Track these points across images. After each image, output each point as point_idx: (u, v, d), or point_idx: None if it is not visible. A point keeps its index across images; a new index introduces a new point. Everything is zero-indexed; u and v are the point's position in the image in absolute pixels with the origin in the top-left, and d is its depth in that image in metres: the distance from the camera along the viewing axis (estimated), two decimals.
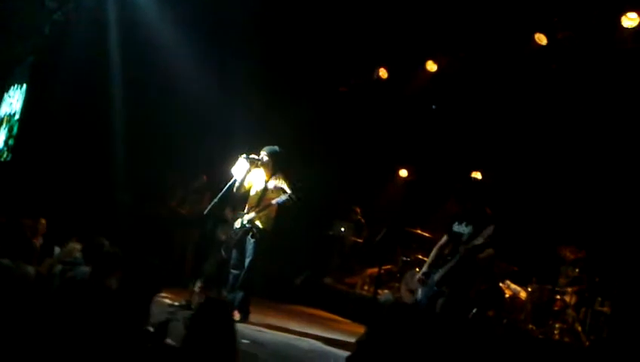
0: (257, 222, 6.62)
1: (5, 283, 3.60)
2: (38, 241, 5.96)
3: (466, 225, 5.67)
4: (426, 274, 5.89)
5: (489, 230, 5.35)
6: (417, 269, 8.89)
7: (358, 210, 10.80)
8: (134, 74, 8.89)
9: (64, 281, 4.16)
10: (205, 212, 6.75)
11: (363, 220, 10.75)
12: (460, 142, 10.14)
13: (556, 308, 7.78)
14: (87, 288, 3.54)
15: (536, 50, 7.78)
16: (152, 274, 3.28)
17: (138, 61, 8.89)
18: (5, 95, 11.65)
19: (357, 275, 10.29)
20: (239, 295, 6.51)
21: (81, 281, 3.92)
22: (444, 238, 5.94)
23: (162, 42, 8.72)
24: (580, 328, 7.48)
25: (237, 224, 6.70)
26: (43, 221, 6.32)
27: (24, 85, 10.66)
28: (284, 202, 6.52)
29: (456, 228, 5.73)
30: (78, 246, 4.71)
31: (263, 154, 6.75)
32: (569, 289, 7.75)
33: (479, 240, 5.40)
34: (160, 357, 2.91)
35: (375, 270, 10.12)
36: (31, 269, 4.14)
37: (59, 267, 4.59)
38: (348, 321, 8.71)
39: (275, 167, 6.76)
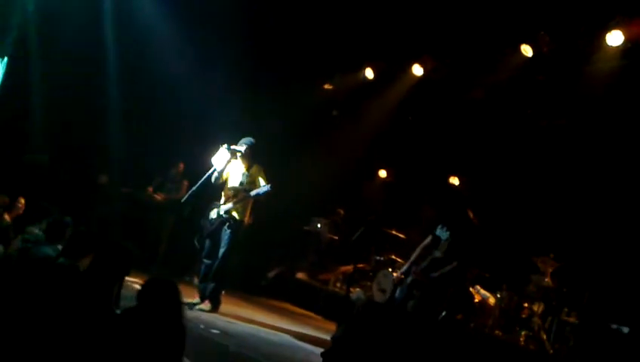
0: (234, 213, 6.60)
1: None
2: (11, 218, 5.88)
3: (446, 230, 5.74)
4: (405, 273, 5.96)
5: (445, 244, 5.46)
6: (390, 269, 8.99)
7: (342, 213, 10.81)
8: (119, 55, 8.77)
9: (22, 259, 4.10)
10: (183, 200, 6.70)
11: (342, 222, 10.77)
12: (439, 146, 10.23)
13: (523, 316, 7.92)
14: (52, 268, 3.49)
15: (522, 61, 7.86)
16: (123, 257, 3.27)
17: (124, 41, 8.77)
18: None
19: (330, 272, 10.31)
20: (211, 285, 6.49)
21: (42, 260, 3.87)
22: (429, 239, 6.01)
23: (149, 24, 8.61)
24: (545, 336, 7.63)
25: (213, 214, 6.66)
26: (22, 200, 6.22)
27: (5, 58, 10.44)
28: (260, 195, 6.50)
29: (438, 231, 5.81)
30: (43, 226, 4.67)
31: (242, 145, 6.73)
32: (537, 298, 7.90)
33: (437, 254, 5.53)
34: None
35: (348, 268, 10.16)
36: None
37: (18, 243, 4.54)
38: (319, 317, 8.74)
39: (252, 159, 6.75)
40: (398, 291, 6.03)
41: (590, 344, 4.83)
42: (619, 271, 7.07)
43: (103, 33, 8.68)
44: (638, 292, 6.44)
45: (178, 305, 3.01)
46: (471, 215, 5.81)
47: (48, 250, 4.08)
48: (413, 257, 6.06)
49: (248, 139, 6.81)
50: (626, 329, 4.60)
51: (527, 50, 7.80)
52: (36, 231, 4.52)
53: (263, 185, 6.52)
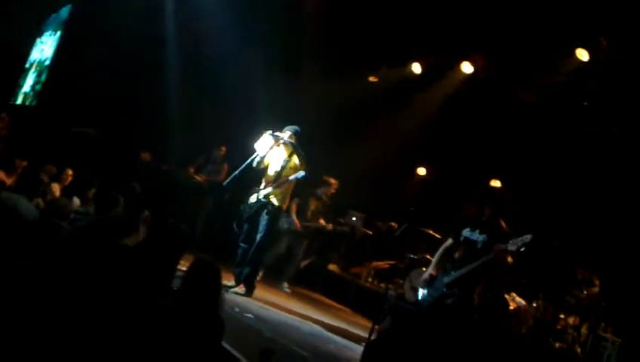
0: (273, 199, 6.61)
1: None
2: (58, 189, 6.00)
3: (480, 233, 5.57)
4: (432, 276, 5.83)
5: (526, 238, 5.22)
6: (423, 269, 8.89)
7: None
8: (171, 38, 8.86)
9: (73, 229, 4.15)
10: (225, 183, 6.75)
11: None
12: (483, 147, 10.04)
13: (558, 327, 7.75)
14: (96, 240, 3.50)
15: (576, 65, 7.64)
16: (179, 241, 3.26)
17: (175, 26, 8.85)
18: (38, 40, 11.67)
19: (362, 266, 10.28)
20: (246, 269, 6.52)
21: (89, 232, 3.89)
22: (450, 241, 5.85)
23: (203, 7, 8.67)
24: (579, 350, 7.45)
25: (252, 199, 6.70)
26: (70, 171, 6.35)
27: (58, 33, 10.66)
28: (297, 179, 6.51)
29: (467, 233, 5.61)
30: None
31: (286, 133, 6.72)
32: (574, 312, 7.71)
33: (513, 246, 5.28)
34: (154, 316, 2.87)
35: (381, 263, 10.12)
36: (30, 205, 4.14)
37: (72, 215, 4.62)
38: (348, 310, 8.73)
39: (295, 147, 6.74)
40: (423, 293, 5.89)
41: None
42: None
43: (159, 13, 8.77)
44: None
45: (219, 288, 3.02)
46: (503, 223, 5.63)
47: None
48: (436, 259, 5.93)
49: (293, 127, 6.82)
50: None
51: (582, 55, 7.58)
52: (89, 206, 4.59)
53: (300, 172, 6.51)
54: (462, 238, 5.65)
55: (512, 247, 5.27)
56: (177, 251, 3.25)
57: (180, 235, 3.28)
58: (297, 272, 9.73)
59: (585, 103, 8.11)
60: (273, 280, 8.48)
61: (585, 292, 7.69)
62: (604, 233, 7.96)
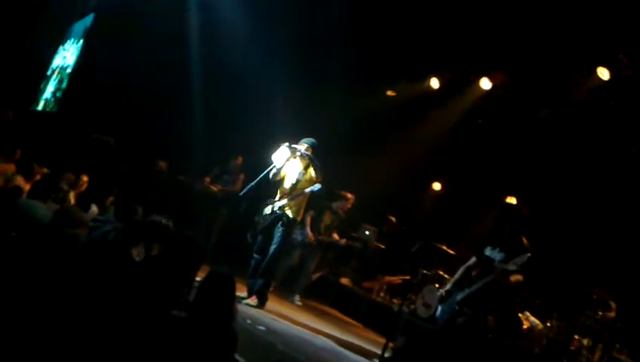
0: (288, 211, 6.61)
1: (17, 217, 3.64)
2: (75, 195, 6.05)
3: (499, 251, 5.57)
4: (449, 292, 5.82)
5: (524, 258, 5.25)
6: (437, 285, 8.82)
7: (394, 220, 10.69)
8: (193, 49, 8.95)
9: (90, 239, 4.17)
10: (241, 194, 6.76)
11: (391, 229, 10.65)
12: (499, 164, 9.99)
13: (572, 348, 7.64)
14: (109, 251, 3.51)
15: (596, 84, 7.58)
16: (195, 253, 3.27)
17: (198, 37, 8.94)
18: (60, 47, 11.85)
19: (374, 281, 10.22)
20: (259, 281, 6.51)
21: (104, 242, 3.89)
22: (473, 260, 5.84)
23: (223, 17, 8.75)
24: None
25: (267, 210, 6.71)
26: (85, 178, 6.40)
27: (81, 41, 10.81)
28: (314, 192, 6.51)
29: (488, 252, 5.63)
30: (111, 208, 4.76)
31: (302, 145, 6.74)
32: (588, 332, 7.61)
33: (512, 267, 5.30)
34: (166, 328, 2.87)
35: (393, 278, 10.06)
36: (47, 211, 4.16)
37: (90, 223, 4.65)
38: (360, 325, 8.67)
39: (312, 159, 6.76)
40: (439, 309, 5.87)
41: None
42: None
43: (181, 23, 8.87)
44: None
45: (233, 300, 3.02)
46: (524, 240, 5.61)
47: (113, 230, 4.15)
48: (456, 276, 5.92)
49: (310, 140, 6.83)
50: None
51: (603, 73, 7.52)
52: (108, 214, 4.62)
53: (316, 185, 6.51)
54: (484, 257, 5.64)
55: (511, 267, 5.28)
56: (194, 263, 3.26)
57: (196, 247, 3.29)
58: (309, 285, 9.70)
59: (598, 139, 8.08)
60: (285, 292, 8.47)
61: (600, 313, 7.59)
62: (620, 253, 7.86)
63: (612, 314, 7.33)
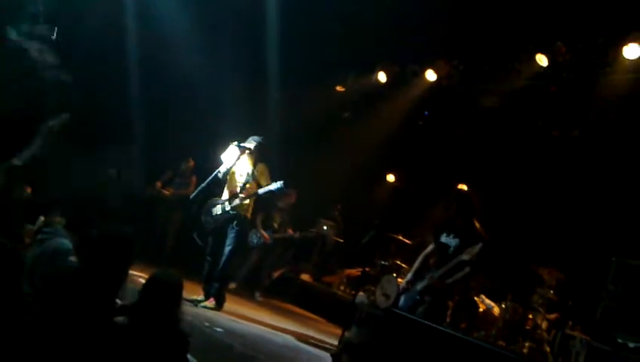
0: (242, 211, 6.54)
1: None
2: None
3: (454, 237, 5.64)
4: (410, 282, 5.88)
5: (477, 248, 5.34)
6: (394, 274, 8.94)
7: (339, 207, 10.83)
8: (131, 49, 8.76)
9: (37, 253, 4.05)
10: (192, 196, 6.67)
11: (340, 218, 10.77)
12: (449, 153, 10.19)
13: (527, 327, 7.86)
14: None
15: (536, 70, 7.82)
16: (123, 245, 3.17)
17: (140, 36, 8.75)
18: None
19: (335, 275, 10.29)
20: (215, 283, 6.44)
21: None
22: (430, 247, 5.92)
23: (167, 19, 8.61)
24: (548, 349, 7.58)
25: (217, 210, 6.61)
26: (29, 189, 6.20)
27: None
28: (271, 192, 6.48)
29: (443, 239, 5.70)
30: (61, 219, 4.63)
31: (250, 143, 6.70)
32: (542, 310, 7.86)
33: (465, 256, 5.39)
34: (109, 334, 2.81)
35: (353, 271, 10.14)
36: None
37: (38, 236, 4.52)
38: (322, 320, 8.71)
39: (259, 157, 6.73)
40: (402, 299, 5.94)
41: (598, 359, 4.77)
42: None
43: (122, 28, 8.68)
44: None
45: (179, 300, 2.96)
46: (477, 224, 5.72)
47: (65, 242, 4.06)
48: (416, 266, 5.99)
49: (257, 137, 6.79)
50: (632, 344, 4.54)
51: (542, 60, 7.75)
52: (59, 220, 4.47)
53: (275, 183, 6.47)
54: (439, 243, 5.72)
55: (465, 257, 5.39)
56: (124, 259, 3.15)
57: (120, 240, 3.18)
58: (270, 284, 9.70)
59: (540, 123, 8.34)
60: (245, 292, 8.43)
61: (551, 292, 7.85)
62: (567, 231, 8.13)
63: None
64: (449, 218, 5.79)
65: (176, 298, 2.89)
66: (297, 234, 9.39)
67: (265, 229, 8.99)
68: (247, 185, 6.57)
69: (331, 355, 2.88)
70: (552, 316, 7.77)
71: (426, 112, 9.89)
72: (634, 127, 7.24)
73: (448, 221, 5.79)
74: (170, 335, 2.74)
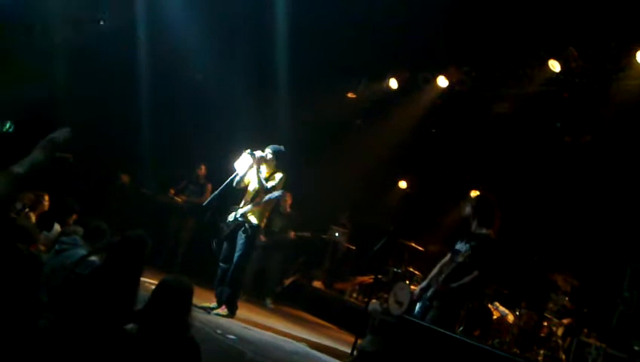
0: (250, 217, 6.56)
1: None
2: (36, 215, 5.93)
3: (465, 243, 5.60)
4: (424, 289, 5.86)
5: (472, 276, 5.32)
6: (407, 282, 8.91)
7: (347, 214, 10.82)
8: (149, 57, 8.85)
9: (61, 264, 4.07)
10: (205, 203, 6.71)
11: (349, 224, 10.77)
12: (461, 159, 10.16)
13: (542, 335, 7.79)
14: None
15: (549, 76, 7.77)
16: (137, 247, 3.19)
17: (154, 44, 8.84)
18: None
19: (347, 282, 10.27)
20: (226, 290, 6.45)
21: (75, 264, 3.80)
22: (448, 256, 5.87)
23: (180, 29, 8.69)
24: (564, 356, 7.50)
25: (230, 217, 6.65)
26: (46, 197, 6.27)
27: None
28: (271, 199, 6.49)
29: (457, 245, 5.65)
30: (79, 229, 4.67)
31: (268, 152, 6.73)
32: (557, 318, 7.78)
33: (460, 258, 5.37)
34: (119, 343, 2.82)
35: (365, 278, 10.11)
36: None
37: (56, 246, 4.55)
38: (334, 327, 8.69)
39: (278, 166, 6.74)
40: (417, 307, 5.90)
41: None
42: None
43: (135, 37, 8.78)
44: None
45: (189, 306, 2.96)
46: (489, 231, 5.65)
47: (83, 252, 4.08)
48: (432, 274, 5.95)
49: (275, 146, 6.81)
50: None
51: (554, 66, 7.71)
52: (77, 230, 4.50)
53: (274, 193, 6.49)
54: (453, 250, 5.67)
55: (459, 259, 5.36)
56: (137, 261, 3.16)
57: (134, 241, 3.20)
58: (282, 290, 9.71)
59: (558, 125, 8.27)
60: (255, 298, 8.44)
61: (567, 299, 7.77)
62: (582, 238, 8.05)
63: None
64: (465, 224, 5.72)
65: (186, 304, 2.89)
66: (292, 234, 9.31)
67: (267, 234, 8.99)
68: (261, 193, 6.58)
69: None
70: (567, 321, 7.69)
71: (433, 130, 9.90)
72: None
73: (465, 227, 5.72)
74: (180, 341, 2.74)
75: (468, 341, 3.36)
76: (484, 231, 5.52)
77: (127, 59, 8.87)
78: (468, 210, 5.66)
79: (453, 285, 5.43)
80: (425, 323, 5.11)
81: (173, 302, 2.85)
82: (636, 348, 4.39)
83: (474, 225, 5.59)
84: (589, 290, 7.56)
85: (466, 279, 5.40)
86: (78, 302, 2.97)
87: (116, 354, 2.62)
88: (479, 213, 5.61)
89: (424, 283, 5.91)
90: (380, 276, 9.62)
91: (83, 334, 2.68)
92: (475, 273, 5.36)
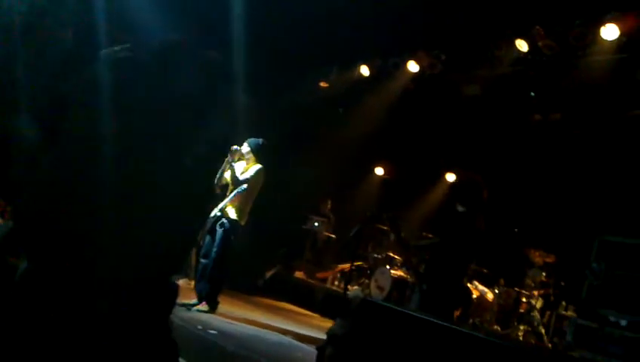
0: (229, 212, 6.49)
1: None
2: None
3: (454, 225, 5.61)
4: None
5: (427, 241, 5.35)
6: (387, 266, 8.97)
7: (329, 203, 10.85)
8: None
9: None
10: None
11: (332, 214, 10.80)
12: (436, 142, 10.24)
13: (522, 311, 7.94)
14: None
15: (517, 55, 7.85)
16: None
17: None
18: None
19: (328, 270, 10.33)
20: (206, 286, 6.43)
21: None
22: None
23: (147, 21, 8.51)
24: (543, 330, 7.66)
25: (212, 213, 6.59)
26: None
27: None
28: (240, 192, 6.43)
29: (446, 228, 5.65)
30: None
31: (245, 146, 6.68)
32: (535, 293, 7.92)
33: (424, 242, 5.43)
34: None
35: (346, 266, 10.17)
36: None
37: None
38: (317, 316, 8.73)
39: (257, 160, 6.70)
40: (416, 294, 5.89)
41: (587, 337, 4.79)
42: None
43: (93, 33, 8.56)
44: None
45: (172, 307, 2.94)
46: (480, 218, 5.64)
47: None
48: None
49: (254, 140, 6.73)
50: (623, 322, 4.57)
51: (522, 45, 7.79)
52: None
53: (240, 187, 6.41)
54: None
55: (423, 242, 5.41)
56: None
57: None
58: (264, 283, 9.72)
59: (532, 93, 8.33)
60: (239, 294, 8.42)
61: (543, 274, 7.91)
62: (556, 213, 8.19)
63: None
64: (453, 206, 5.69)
65: (169, 304, 2.87)
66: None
67: None
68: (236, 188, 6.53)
69: (317, 348, 2.90)
70: (543, 291, 7.83)
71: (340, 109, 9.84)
72: (614, 108, 7.30)
73: (452, 211, 5.69)
74: (160, 341, 2.72)
75: (427, 318, 3.41)
76: (471, 212, 5.53)
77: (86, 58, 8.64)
78: (453, 193, 5.66)
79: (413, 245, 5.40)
80: (386, 304, 5.15)
81: (155, 303, 2.82)
82: (612, 319, 4.50)
83: (461, 208, 5.58)
84: (564, 264, 7.71)
85: (423, 242, 5.36)
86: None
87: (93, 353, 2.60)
88: (464, 196, 5.60)
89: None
90: (358, 263, 9.72)
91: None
92: (435, 239, 5.34)
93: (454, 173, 10.45)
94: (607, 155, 7.62)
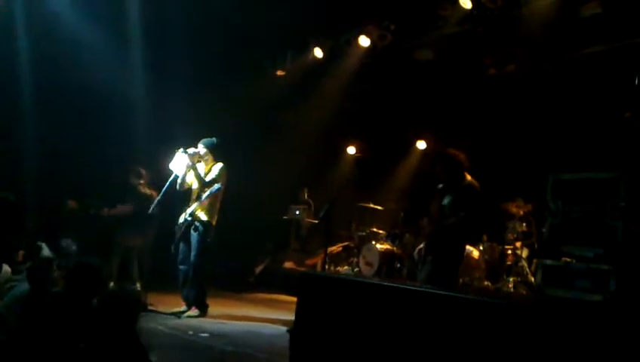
0: (200, 215, 6.46)
1: None
2: None
3: (448, 196, 5.66)
4: (421, 250, 5.96)
5: (458, 217, 5.40)
6: (373, 242, 9.04)
7: (307, 190, 10.87)
8: (47, 67, 8.37)
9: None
10: (150, 211, 6.58)
11: (311, 200, 10.82)
12: (400, 112, 10.29)
13: (509, 263, 8.04)
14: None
15: (462, 14, 7.88)
16: (91, 275, 3.22)
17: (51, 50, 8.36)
18: None
19: (316, 256, 10.36)
20: (192, 291, 6.43)
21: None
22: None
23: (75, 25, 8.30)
24: (533, 279, 7.76)
25: (180, 219, 6.55)
26: None
27: None
28: (211, 194, 6.37)
29: (444, 201, 5.69)
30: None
31: (200, 147, 6.63)
32: (518, 244, 8.03)
33: (451, 220, 5.47)
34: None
35: (335, 248, 10.23)
36: None
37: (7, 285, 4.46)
38: None
39: (215, 159, 6.67)
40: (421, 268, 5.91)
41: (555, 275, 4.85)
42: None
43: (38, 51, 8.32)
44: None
45: (135, 318, 2.96)
46: (468, 177, 5.70)
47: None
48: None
49: (208, 140, 6.69)
50: (590, 253, 4.65)
51: (465, 3, 7.82)
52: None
53: (214, 186, 6.37)
54: (441, 206, 5.68)
55: (449, 222, 5.48)
56: (95, 287, 3.21)
57: (91, 270, 3.24)
58: (254, 279, 9.74)
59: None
60: (229, 293, 8.44)
61: (524, 224, 8.02)
62: (526, 163, 8.28)
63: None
64: (443, 179, 5.73)
65: (131, 312, 2.90)
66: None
67: None
68: (204, 190, 6.48)
69: (287, 331, 2.94)
70: (525, 241, 7.94)
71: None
72: (561, 51, 7.38)
73: (445, 183, 5.73)
74: (128, 351, 2.75)
75: (357, 280, 3.53)
76: (464, 181, 5.58)
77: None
78: (439, 169, 5.69)
79: (443, 223, 5.47)
80: (322, 274, 5.19)
81: (119, 313, 2.85)
82: (577, 253, 4.58)
83: (451, 181, 5.62)
84: (541, 211, 7.80)
85: (451, 220, 5.45)
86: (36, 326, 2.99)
87: None
88: (449, 170, 5.64)
89: (421, 245, 5.97)
90: (345, 243, 9.77)
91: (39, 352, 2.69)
92: (462, 214, 5.41)
93: (425, 140, 10.53)
94: (562, 95, 7.72)
